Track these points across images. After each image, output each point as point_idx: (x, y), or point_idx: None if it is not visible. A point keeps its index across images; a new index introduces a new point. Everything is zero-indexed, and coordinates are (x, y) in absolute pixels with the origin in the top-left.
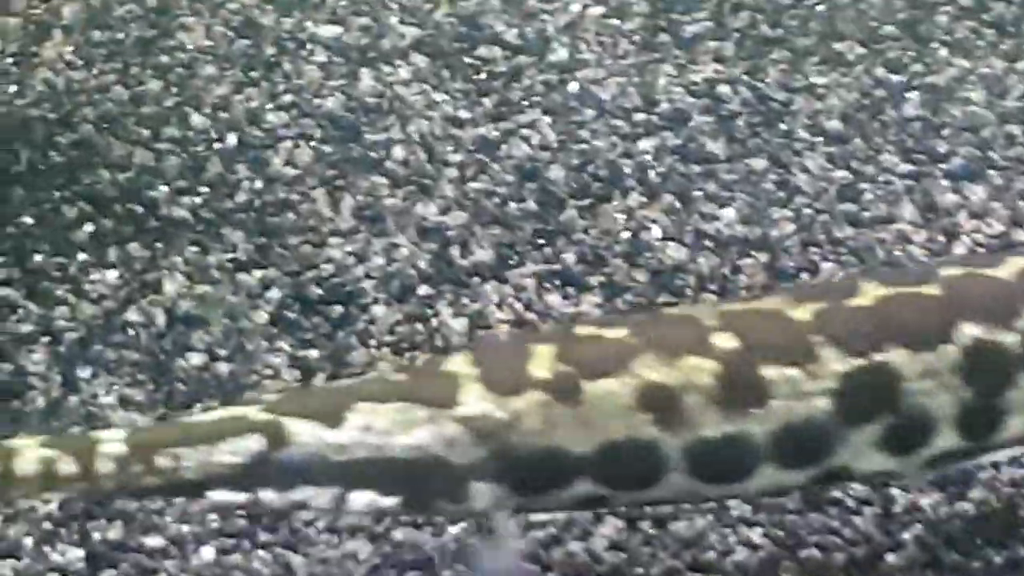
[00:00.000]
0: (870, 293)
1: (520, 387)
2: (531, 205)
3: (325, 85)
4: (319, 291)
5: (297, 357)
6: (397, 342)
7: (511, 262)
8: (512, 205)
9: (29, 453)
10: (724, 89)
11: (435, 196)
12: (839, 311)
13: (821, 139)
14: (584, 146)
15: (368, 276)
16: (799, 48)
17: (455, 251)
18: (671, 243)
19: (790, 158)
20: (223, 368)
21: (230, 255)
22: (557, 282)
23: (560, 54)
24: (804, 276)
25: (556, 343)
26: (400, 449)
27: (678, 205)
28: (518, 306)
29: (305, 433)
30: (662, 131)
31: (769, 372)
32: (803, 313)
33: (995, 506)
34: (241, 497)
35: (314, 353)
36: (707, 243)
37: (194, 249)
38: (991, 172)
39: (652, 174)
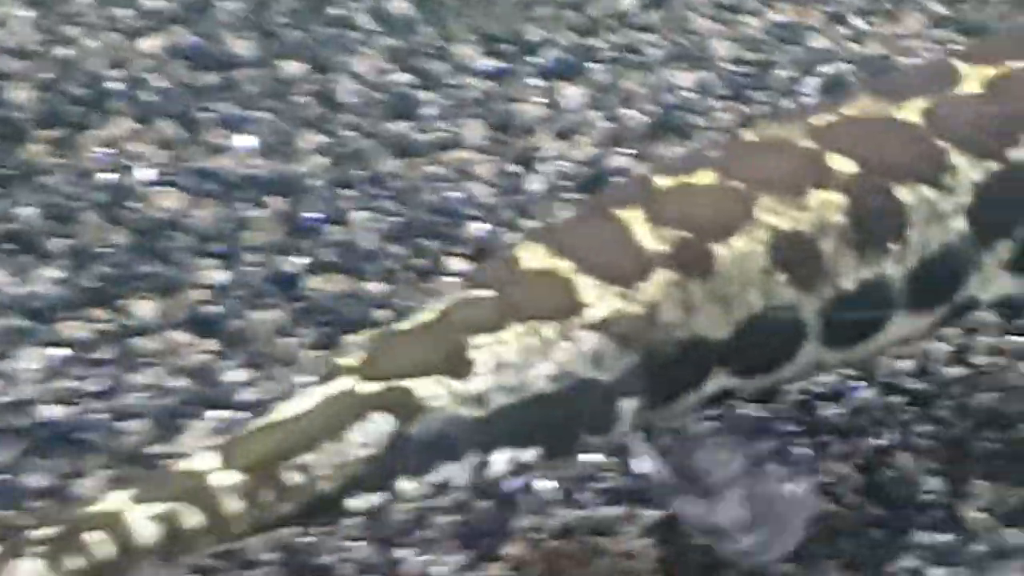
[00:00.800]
0: (975, 76)
1: (642, 268)
2: None
3: None
4: None
5: None
6: None
7: None
8: None
9: (138, 514)
10: None
11: None
12: (952, 105)
13: (382, 28)
14: (69, 51)
15: None
16: None
17: None
18: (165, 188)
19: (336, 57)
20: None
21: None
22: (11, 247)
23: None
24: (331, 228)
25: (641, 205)
26: (542, 382)
27: (180, 133)
28: None
29: (437, 393)
30: (174, 24)
31: (902, 195)
32: (910, 114)
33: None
34: (380, 498)
35: None
36: (212, 186)
37: None
38: (592, 66)
39: (149, 90)
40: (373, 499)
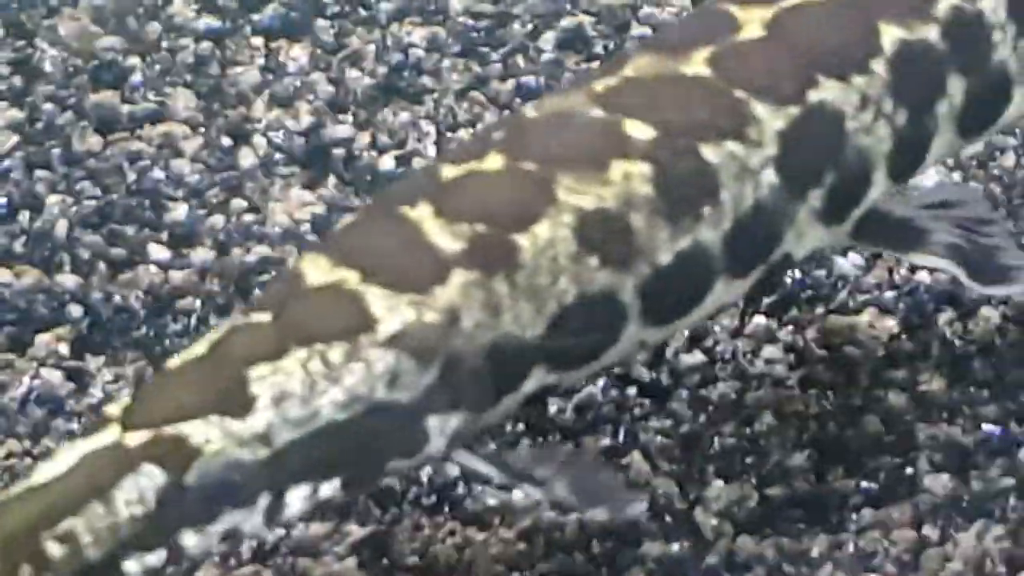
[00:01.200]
0: (754, 19)
1: (437, 271)
2: None
3: None
4: None
5: None
6: None
7: None
8: None
9: None
10: None
11: None
12: (740, 52)
13: None
14: None
15: None
16: None
17: None
18: None
19: (39, 22)
20: None
21: None
22: None
23: None
24: (20, 215)
25: (429, 200)
26: (332, 410)
27: None
28: None
29: (212, 436)
30: None
31: (708, 155)
32: (698, 67)
33: None
34: (160, 556)
35: None
36: None
37: None
38: (318, 23)
39: None
40: (152, 559)
